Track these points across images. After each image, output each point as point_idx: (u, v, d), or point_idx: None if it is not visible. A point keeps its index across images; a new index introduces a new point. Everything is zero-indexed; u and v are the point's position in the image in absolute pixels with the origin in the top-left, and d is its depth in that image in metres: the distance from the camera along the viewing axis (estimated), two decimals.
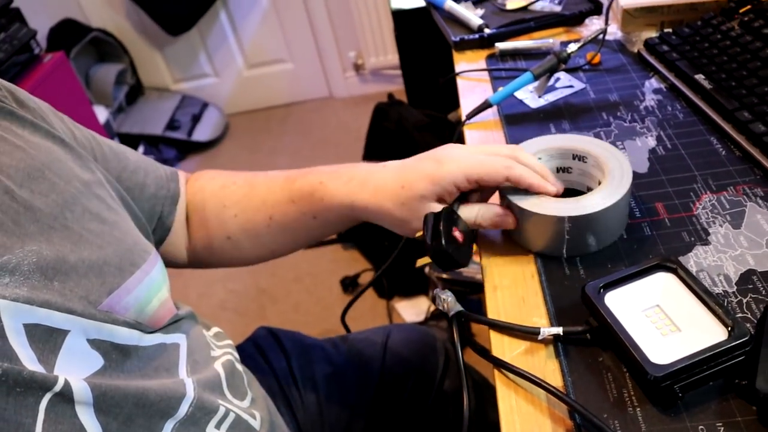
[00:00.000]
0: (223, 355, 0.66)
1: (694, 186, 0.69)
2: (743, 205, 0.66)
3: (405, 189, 0.61)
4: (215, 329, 0.72)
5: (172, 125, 2.67)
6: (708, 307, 0.53)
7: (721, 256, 0.61)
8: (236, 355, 0.69)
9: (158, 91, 2.85)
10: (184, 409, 0.53)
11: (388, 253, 1.78)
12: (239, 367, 0.67)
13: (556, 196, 0.62)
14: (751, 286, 0.58)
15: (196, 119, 2.74)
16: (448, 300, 0.61)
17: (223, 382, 0.61)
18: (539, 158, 0.67)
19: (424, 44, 1.82)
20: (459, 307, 0.60)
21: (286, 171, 0.71)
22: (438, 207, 0.60)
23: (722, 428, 0.48)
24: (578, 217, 0.59)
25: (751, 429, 0.48)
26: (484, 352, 0.57)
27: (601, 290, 0.55)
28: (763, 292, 0.57)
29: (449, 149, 0.63)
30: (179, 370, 0.57)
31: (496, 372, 0.55)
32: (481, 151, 0.63)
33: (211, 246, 0.73)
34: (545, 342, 0.56)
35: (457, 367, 0.58)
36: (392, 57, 2.27)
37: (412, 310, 1.64)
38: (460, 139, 0.83)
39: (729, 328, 0.51)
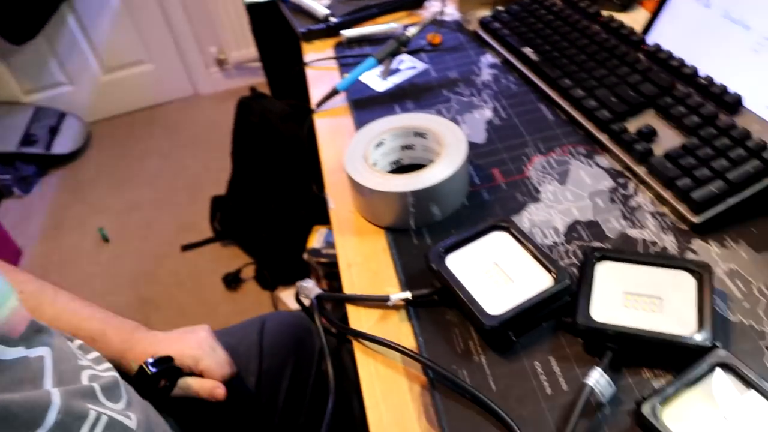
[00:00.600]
0: (92, 363, 0.65)
1: (526, 150, 0.75)
2: (568, 163, 0.73)
3: None
4: (79, 342, 0.70)
5: (27, 140, 2.50)
6: (537, 259, 0.59)
7: (551, 211, 0.67)
8: (107, 364, 0.68)
9: (7, 105, 2.66)
10: (51, 417, 0.52)
11: (266, 244, 1.79)
12: (113, 373, 0.66)
13: None
14: (576, 235, 0.64)
15: (53, 131, 2.58)
16: (309, 287, 0.64)
17: (96, 389, 0.61)
18: (383, 139, 0.71)
19: (278, 36, 1.82)
20: (318, 291, 0.62)
21: (72, 301, 0.76)
22: None
23: (554, 361, 0.54)
24: (420, 190, 0.64)
25: (578, 358, 0.54)
26: (344, 327, 0.60)
27: (443, 254, 0.59)
28: (587, 239, 0.64)
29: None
30: (44, 381, 0.57)
31: (354, 343, 0.58)
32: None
33: None
34: (397, 307, 0.60)
35: (320, 344, 0.61)
36: (254, 50, 2.25)
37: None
38: (312, 128, 0.86)
39: (554, 276, 0.57)
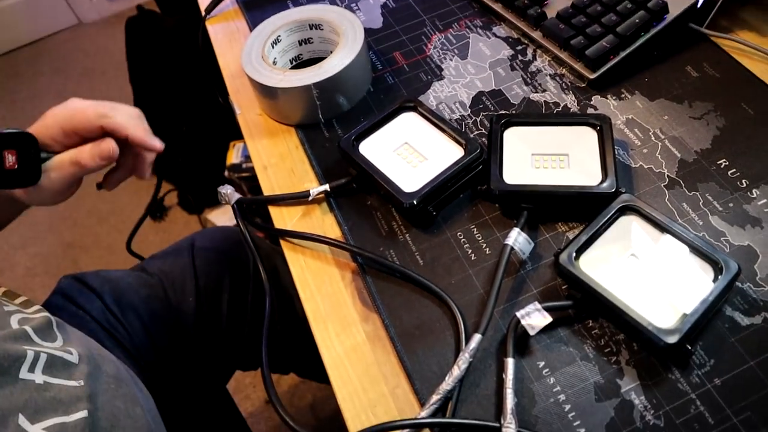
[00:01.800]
0: (20, 308, 0.64)
1: (424, 30, 0.75)
2: (467, 37, 0.73)
3: None
4: (2, 289, 0.68)
5: None
6: (446, 134, 0.60)
7: (455, 86, 0.68)
8: (37, 306, 0.67)
9: None
10: None
11: (185, 168, 1.74)
12: (44, 314, 0.65)
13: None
14: (481, 106, 0.66)
15: None
16: (228, 192, 0.63)
17: (29, 330, 0.60)
18: (279, 36, 0.69)
19: None
20: (237, 196, 0.62)
21: None
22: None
23: (475, 229, 0.57)
24: (322, 81, 0.63)
25: (496, 222, 0.57)
26: (268, 228, 0.60)
27: (354, 142, 0.59)
28: (492, 108, 0.65)
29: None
30: None
31: (282, 242, 0.59)
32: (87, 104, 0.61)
33: None
34: (318, 201, 0.60)
35: (248, 248, 0.61)
36: None
37: (225, 216, 1.65)
38: (205, 36, 0.82)
39: (465, 147, 0.58)
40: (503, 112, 0.64)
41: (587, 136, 0.58)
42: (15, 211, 0.70)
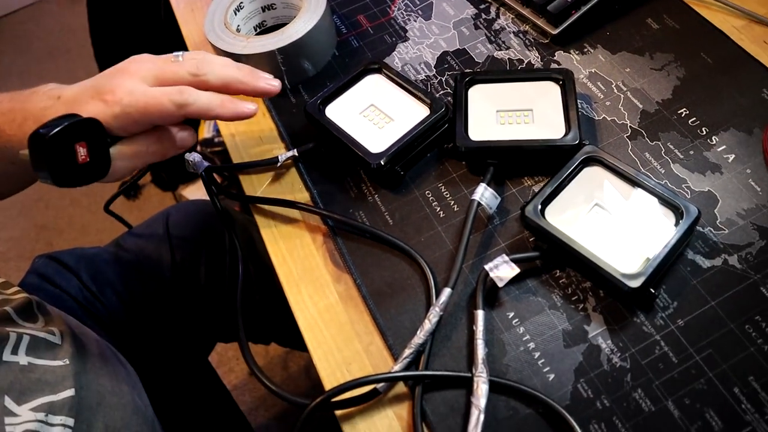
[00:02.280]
0: (0, 289, 0.63)
1: None
2: None
3: None
4: None
5: None
6: (412, 94, 0.60)
7: (420, 47, 0.68)
8: (16, 287, 0.67)
9: None
10: None
11: None
12: (24, 295, 0.65)
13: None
14: (446, 65, 0.66)
15: None
16: (196, 160, 0.63)
17: (10, 312, 0.60)
18: (241, 2, 0.68)
19: None
20: (205, 164, 0.62)
21: None
22: None
23: (443, 187, 0.57)
24: (286, 46, 0.62)
25: (463, 179, 0.58)
26: (238, 195, 0.60)
27: (321, 106, 0.60)
28: (456, 67, 0.65)
29: (118, 80, 0.52)
30: None
31: (253, 209, 0.59)
32: (155, 77, 0.52)
33: None
34: (286, 167, 0.61)
35: (219, 215, 0.61)
36: None
37: (200, 191, 1.64)
38: (168, 6, 0.81)
39: (430, 106, 0.58)
40: (467, 70, 0.64)
41: (551, 91, 0.59)
42: (27, 180, 0.63)
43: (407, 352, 0.48)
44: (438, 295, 0.50)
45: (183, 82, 0.52)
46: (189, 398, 0.90)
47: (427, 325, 0.48)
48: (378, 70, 0.62)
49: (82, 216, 1.83)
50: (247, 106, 0.54)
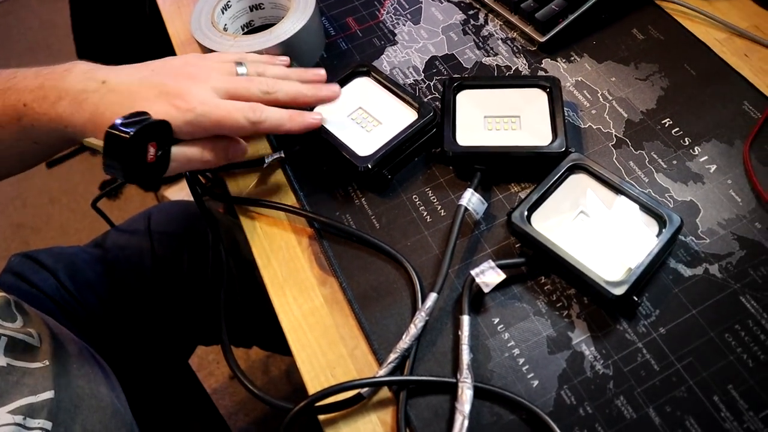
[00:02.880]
0: None
1: None
2: (419, 2, 0.73)
3: None
4: None
5: None
6: (400, 98, 0.60)
7: (408, 51, 0.68)
8: None
9: None
10: None
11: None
12: (1, 294, 0.64)
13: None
14: (434, 70, 0.66)
15: None
16: None
17: None
18: (228, 1, 0.68)
19: None
20: None
21: None
22: None
23: (430, 191, 0.58)
24: (274, 47, 0.62)
25: (451, 184, 0.58)
26: (223, 196, 0.60)
27: (308, 107, 0.59)
28: (445, 72, 0.66)
29: (186, 85, 0.52)
30: None
31: (238, 210, 0.59)
32: (226, 91, 0.53)
33: None
34: (272, 168, 0.60)
35: (203, 214, 0.61)
36: None
37: (183, 192, 1.63)
38: (154, 5, 0.80)
39: (418, 110, 0.58)
40: (456, 76, 0.65)
41: (538, 98, 0.59)
42: (38, 161, 0.62)
43: (392, 356, 0.48)
44: (424, 299, 0.50)
45: (254, 99, 0.53)
46: (168, 401, 0.89)
47: (413, 329, 0.48)
48: (366, 73, 0.62)
49: (61, 215, 1.81)
50: (314, 117, 0.56)
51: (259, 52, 0.62)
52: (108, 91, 0.51)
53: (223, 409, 1.35)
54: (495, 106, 0.59)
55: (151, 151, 0.48)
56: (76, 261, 0.85)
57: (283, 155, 0.59)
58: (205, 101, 0.51)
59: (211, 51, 0.63)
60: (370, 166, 0.55)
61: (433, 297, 0.49)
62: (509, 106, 0.59)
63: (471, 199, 0.54)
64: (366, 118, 0.59)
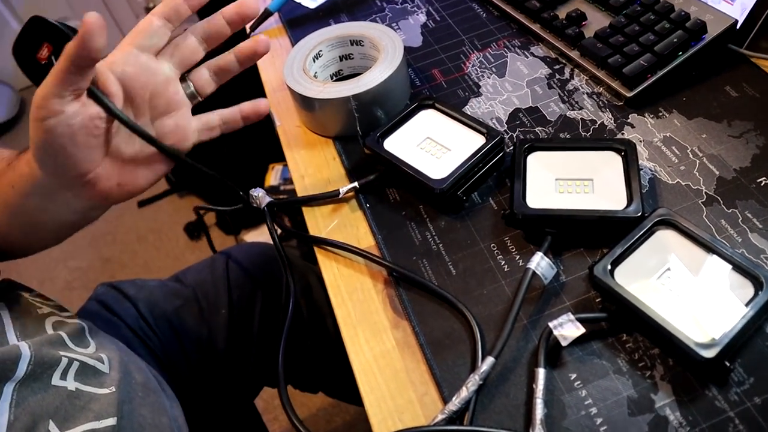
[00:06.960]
0: (54, 310, 0.65)
1: (463, 48, 0.76)
2: (505, 56, 0.74)
3: None
4: (35, 292, 0.70)
5: None
6: (466, 125, 0.63)
7: (492, 102, 0.69)
8: (69, 311, 0.68)
9: None
10: (22, 368, 0.53)
11: (224, 189, 1.77)
12: (77, 320, 0.67)
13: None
14: (518, 122, 0.66)
15: None
16: (259, 195, 0.65)
17: (64, 336, 0.61)
18: (320, 51, 0.71)
19: None
20: (269, 199, 0.63)
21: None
22: None
23: (509, 241, 0.57)
24: (361, 93, 0.64)
25: (516, 243, 0.57)
26: (301, 235, 0.61)
27: (379, 139, 0.62)
28: (528, 124, 0.66)
29: None
30: (8, 336, 0.57)
31: (316, 249, 0.60)
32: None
33: None
34: (347, 199, 0.63)
35: (277, 251, 0.62)
36: None
37: (262, 236, 1.67)
38: None
39: (485, 134, 0.61)
40: (528, 137, 0.64)
41: (612, 161, 0.58)
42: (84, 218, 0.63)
43: (440, 417, 0.46)
44: (484, 358, 0.48)
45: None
46: None
47: (464, 392, 0.47)
48: (431, 105, 0.65)
49: (146, 252, 1.89)
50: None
51: (347, 98, 0.64)
52: None
53: None
54: (567, 168, 0.58)
55: (44, 51, 0.50)
56: (156, 293, 0.87)
57: (357, 186, 0.61)
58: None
59: (301, 96, 0.66)
60: (445, 187, 0.57)
61: (489, 361, 0.48)
62: (582, 169, 0.58)
63: (540, 263, 0.52)
64: (435, 146, 0.62)
